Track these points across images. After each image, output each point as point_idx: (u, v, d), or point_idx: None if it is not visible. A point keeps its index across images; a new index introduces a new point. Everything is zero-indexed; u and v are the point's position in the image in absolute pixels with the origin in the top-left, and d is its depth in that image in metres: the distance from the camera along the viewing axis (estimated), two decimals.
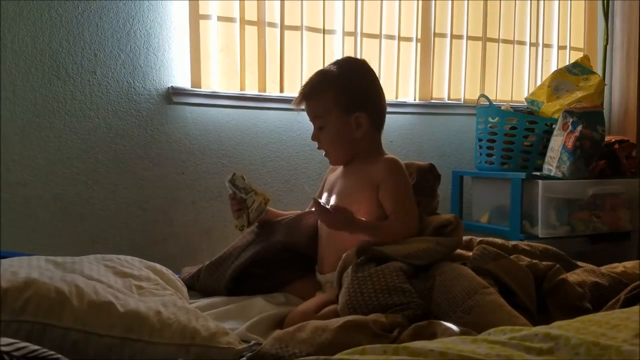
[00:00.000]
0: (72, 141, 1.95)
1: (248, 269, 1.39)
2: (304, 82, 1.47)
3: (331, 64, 1.46)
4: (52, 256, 1.14)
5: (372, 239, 1.26)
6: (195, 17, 2.08)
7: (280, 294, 1.38)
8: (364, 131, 1.40)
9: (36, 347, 0.68)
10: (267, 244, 1.42)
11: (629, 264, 1.34)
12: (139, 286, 1.14)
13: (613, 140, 2.36)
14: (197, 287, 1.45)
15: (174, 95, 2.06)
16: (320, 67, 2.20)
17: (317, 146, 1.46)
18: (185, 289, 1.33)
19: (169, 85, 2.06)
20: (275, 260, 1.42)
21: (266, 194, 1.46)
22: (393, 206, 1.34)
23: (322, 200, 1.47)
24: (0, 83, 1.85)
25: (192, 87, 2.09)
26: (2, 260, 1.05)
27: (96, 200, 1.98)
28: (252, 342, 1.07)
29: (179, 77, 2.09)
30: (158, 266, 1.30)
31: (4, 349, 0.64)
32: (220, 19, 2.12)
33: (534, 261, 1.25)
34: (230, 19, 2.14)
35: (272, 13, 2.20)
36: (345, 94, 1.39)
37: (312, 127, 1.46)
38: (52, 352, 0.68)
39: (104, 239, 1.99)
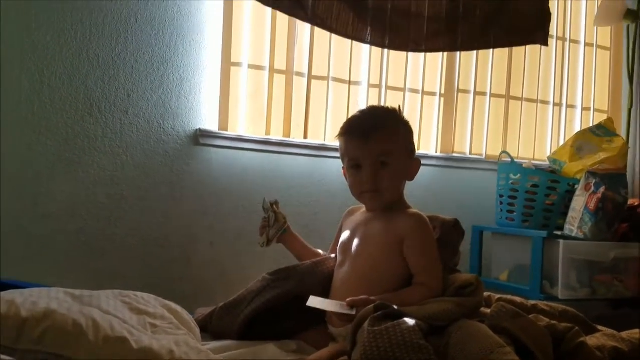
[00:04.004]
0: (99, 177, 2.00)
1: (261, 315, 1.38)
2: (356, 118, 1.44)
3: (385, 107, 1.47)
4: (70, 289, 1.16)
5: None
6: (227, 64, 2.16)
7: (293, 341, 1.37)
8: (414, 176, 1.44)
9: None
10: (281, 291, 1.41)
11: None
12: (153, 324, 1.14)
13: (636, 203, 2.34)
14: (209, 329, 1.44)
15: (201, 137, 2.12)
16: (345, 116, 2.26)
17: (368, 187, 1.38)
18: (198, 330, 1.33)
19: (197, 127, 2.12)
20: (288, 308, 1.41)
21: (283, 214, 1.58)
22: (419, 267, 1.34)
23: (343, 237, 1.47)
24: (0, 100, 1.92)
25: (219, 129, 2.15)
26: (24, 290, 1.06)
27: (118, 237, 2.01)
28: None
29: (207, 119, 2.14)
30: (173, 305, 1.31)
31: None
32: (250, 66, 2.20)
33: (553, 322, 1.23)
34: (260, 67, 2.21)
35: (301, 63, 2.27)
36: (411, 136, 1.45)
37: (339, 169, 1.47)
38: None
39: (123, 274, 2.01)
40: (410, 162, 1.43)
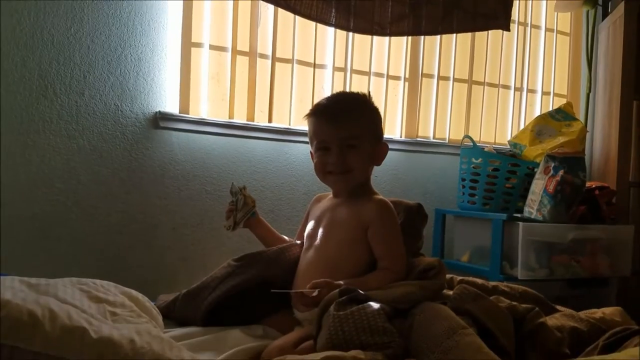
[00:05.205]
0: (54, 161, 1.93)
1: (225, 301, 1.37)
2: (327, 100, 1.46)
3: (355, 93, 1.48)
4: (26, 277, 1.11)
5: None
6: (188, 45, 2.10)
7: (259, 326, 1.36)
8: (382, 161, 1.46)
9: None
10: (246, 277, 1.40)
11: (607, 310, 1.35)
12: (113, 312, 1.12)
13: (593, 186, 2.40)
14: (172, 315, 1.42)
15: (161, 120, 2.06)
16: (310, 100, 2.24)
17: (334, 168, 1.39)
18: (160, 317, 1.31)
19: (157, 110, 2.06)
20: (253, 293, 1.40)
21: (252, 197, 1.57)
22: (383, 252, 1.36)
23: (308, 227, 1.47)
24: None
25: (180, 112, 2.10)
26: None
27: (75, 222, 1.95)
28: None
29: (167, 102, 2.09)
30: (134, 292, 1.28)
31: None
32: (212, 47, 2.14)
33: (514, 303, 1.25)
34: (222, 48, 2.16)
35: (264, 45, 2.23)
36: (379, 122, 1.47)
37: (305, 153, 1.46)
38: None
39: (81, 261, 1.95)
40: (378, 147, 1.44)
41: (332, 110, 1.41)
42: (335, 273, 1.31)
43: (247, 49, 2.21)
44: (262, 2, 2.16)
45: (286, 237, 1.61)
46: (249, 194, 1.58)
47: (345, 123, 1.38)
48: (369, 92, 1.48)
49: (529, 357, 1.14)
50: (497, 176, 2.32)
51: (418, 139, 2.58)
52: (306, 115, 1.46)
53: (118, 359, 0.90)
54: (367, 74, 2.45)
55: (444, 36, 2.59)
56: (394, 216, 1.41)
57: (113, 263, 2.00)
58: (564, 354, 1.13)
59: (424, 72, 2.59)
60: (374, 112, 1.46)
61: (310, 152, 1.47)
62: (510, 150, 2.52)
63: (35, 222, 1.90)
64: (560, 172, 2.12)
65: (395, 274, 1.32)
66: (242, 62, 2.20)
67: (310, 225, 1.48)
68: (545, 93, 2.90)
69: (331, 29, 2.33)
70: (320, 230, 1.43)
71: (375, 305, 1.14)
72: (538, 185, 2.19)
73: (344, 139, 1.38)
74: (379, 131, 1.47)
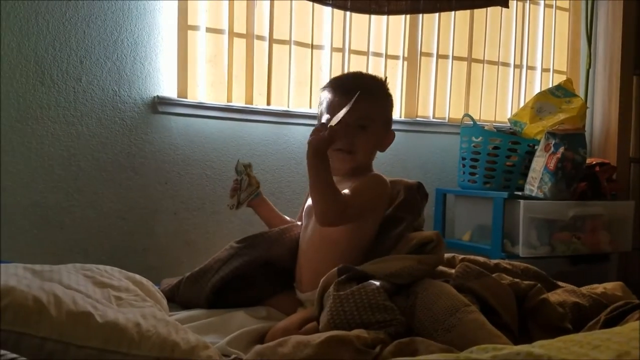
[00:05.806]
0: (54, 148, 1.93)
1: (229, 283, 1.38)
2: (344, 77, 1.47)
3: (374, 75, 1.47)
4: (29, 264, 1.12)
5: (313, 180, 1.25)
6: (184, 28, 2.08)
7: (262, 307, 1.37)
8: (386, 149, 1.47)
9: (13, 355, 0.66)
10: (248, 258, 1.41)
11: (609, 285, 1.35)
12: (118, 297, 1.12)
13: (594, 162, 2.40)
14: (177, 299, 1.43)
15: (159, 104, 2.05)
16: (308, 82, 2.23)
17: (342, 146, 1.36)
18: (165, 301, 1.32)
19: (155, 95, 2.05)
20: (256, 274, 1.41)
21: (256, 178, 1.57)
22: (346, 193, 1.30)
23: (306, 204, 1.47)
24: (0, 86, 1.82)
25: (178, 97, 2.09)
26: None
27: (77, 209, 1.96)
28: (233, 356, 1.06)
29: (165, 86, 2.08)
30: (137, 277, 1.29)
31: None
32: (208, 30, 2.13)
33: (516, 280, 1.26)
34: (218, 31, 2.14)
35: (261, 26, 2.21)
36: (391, 109, 1.48)
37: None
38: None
39: (84, 248, 1.96)
40: (386, 133, 1.44)
41: (349, 87, 1.36)
42: (334, 250, 1.31)
43: (244, 31, 2.19)
44: None
45: (289, 218, 1.62)
46: (254, 174, 1.58)
47: (361, 102, 1.32)
48: (386, 78, 1.47)
49: (531, 333, 1.15)
50: (498, 154, 2.32)
51: (418, 118, 2.58)
52: (322, 87, 1.45)
53: (124, 343, 0.91)
54: (366, 53, 2.44)
55: (443, 14, 2.57)
56: (378, 185, 1.37)
57: (116, 248, 2.01)
58: (567, 329, 1.14)
59: (422, 50, 2.57)
60: (389, 98, 1.46)
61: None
62: (510, 128, 2.51)
63: (37, 209, 1.90)
64: (561, 149, 2.11)
65: (340, 207, 1.25)
66: (239, 44, 2.19)
67: (308, 203, 1.47)
68: (544, 70, 2.88)
69: (328, 9, 2.30)
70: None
71: (375, 283, 1.15)
72: (539, 163, 2.19)
73: (356, 118, 1.35)
74: (390, 118, 1.47)
